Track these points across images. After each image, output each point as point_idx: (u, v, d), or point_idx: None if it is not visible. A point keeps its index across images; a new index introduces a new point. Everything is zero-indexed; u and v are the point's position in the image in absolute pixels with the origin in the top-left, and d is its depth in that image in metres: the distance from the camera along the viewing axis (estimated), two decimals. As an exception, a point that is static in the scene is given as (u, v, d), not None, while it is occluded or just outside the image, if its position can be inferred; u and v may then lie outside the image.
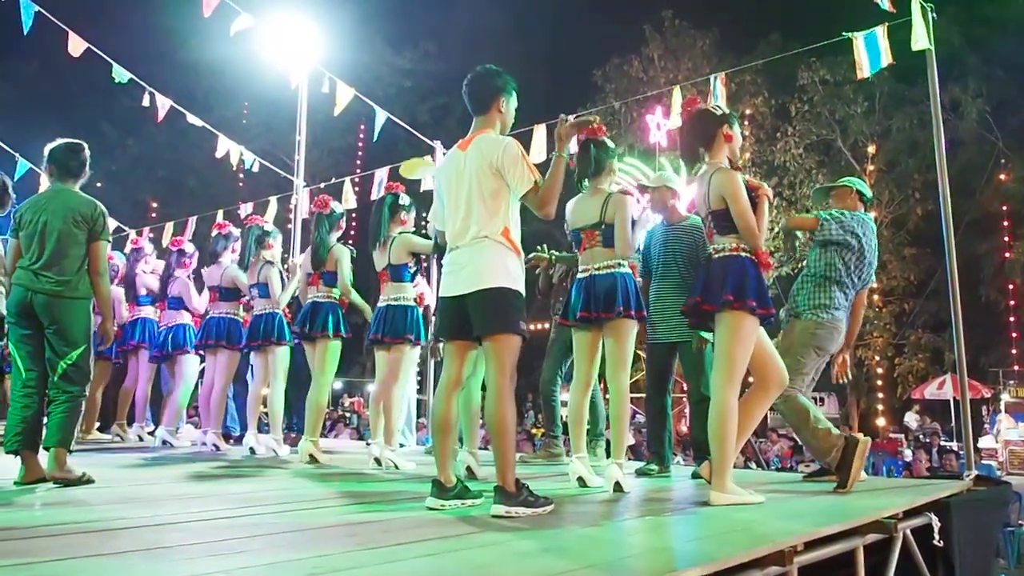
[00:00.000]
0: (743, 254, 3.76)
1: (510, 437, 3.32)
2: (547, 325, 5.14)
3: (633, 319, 4.21)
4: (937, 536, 3.96)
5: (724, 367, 3.71)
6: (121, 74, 8.88)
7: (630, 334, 4.26)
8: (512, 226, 3.47)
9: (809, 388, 4.70)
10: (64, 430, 3.98)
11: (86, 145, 4.38)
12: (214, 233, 6.85)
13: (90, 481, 4.01)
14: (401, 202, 5.49)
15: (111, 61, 8.80)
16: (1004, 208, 20.62)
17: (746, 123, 20.48)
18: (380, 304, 5.45)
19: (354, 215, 21.06)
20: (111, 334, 4.57)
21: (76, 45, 8.51)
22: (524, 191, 3.41)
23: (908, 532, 3.74)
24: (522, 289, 3.45)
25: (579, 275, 4.41)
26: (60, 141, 4.33)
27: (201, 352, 6.94)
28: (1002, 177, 20.72)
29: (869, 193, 5.02)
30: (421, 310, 5.63)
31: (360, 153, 24.69)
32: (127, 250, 8.18)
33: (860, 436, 4.40)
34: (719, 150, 3.92)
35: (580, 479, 4.24)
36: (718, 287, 3.71)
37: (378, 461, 5.23)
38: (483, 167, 3.44)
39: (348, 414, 18.05)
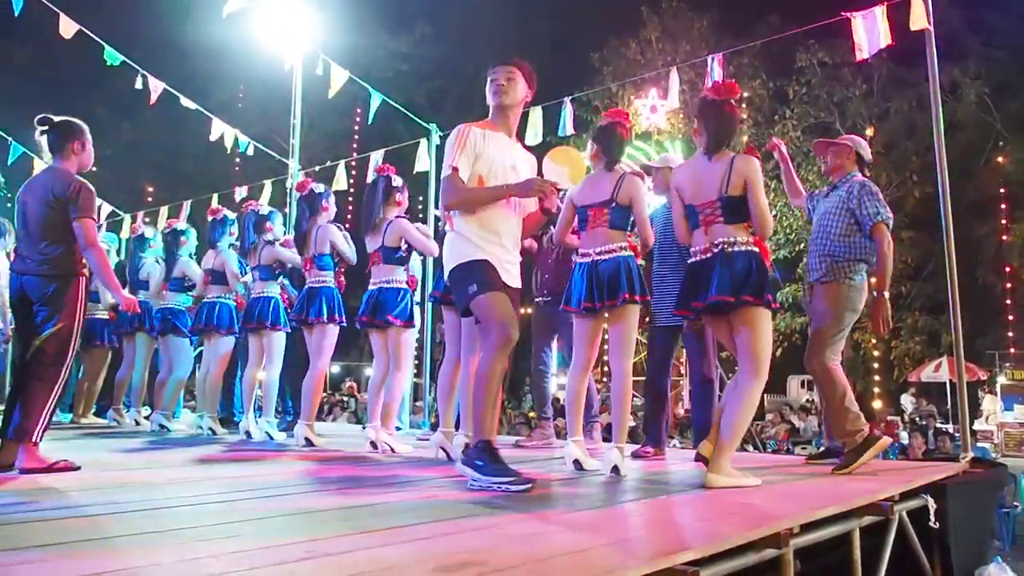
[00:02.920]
0: (755, 248, 3.73)
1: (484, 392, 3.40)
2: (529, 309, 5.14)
3: (637, 304, 4.14)
4: (933, 518, 3.97)
5: (755, 362, 3.71)
6: (113, 56, 8.81)
7: (634, 318, 4.18)
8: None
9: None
10: (30, 419, 3.82)
11: (56, 118, 4.22)
12: (210, 219, 6.82)
13: (71, 468, 3.89)
14: (394, 184, 5.45)
15: (103, 43, 8.72)
16: (1002, 191, 20.63)
17: (744, 106, 20.43)
18: (371, 287, 5.39)
19: (350, 198, 21.03)
20: (129, 304, 4.53)
21: (67, 27, 8.43)
22: (446, 168, 3.54)
23: (904, 514, 3.76)
24: (465, 258, 3.54)
25: (580, 260, 4.28)
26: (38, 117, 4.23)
27: (197, 336, 6.93)
28: (1000, 160, 20.73)
29: (868, 157, 4.95)
30: (413, 293, 5.60)
31: (356, 136, 24.58)
32: (123, 234, 8.17)
33: (884, 436, 4.53)
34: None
35: (576, 462, 4.23)
36: (744, 285, 3.65)
37: (374, 444, 5.22)
38: None
39: (346, 398, 18.06)
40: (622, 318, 4.16)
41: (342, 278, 5.89)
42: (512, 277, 3.62)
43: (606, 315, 4.26)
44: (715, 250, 3.75)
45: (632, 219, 4.25)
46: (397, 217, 5.40)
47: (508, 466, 3.19)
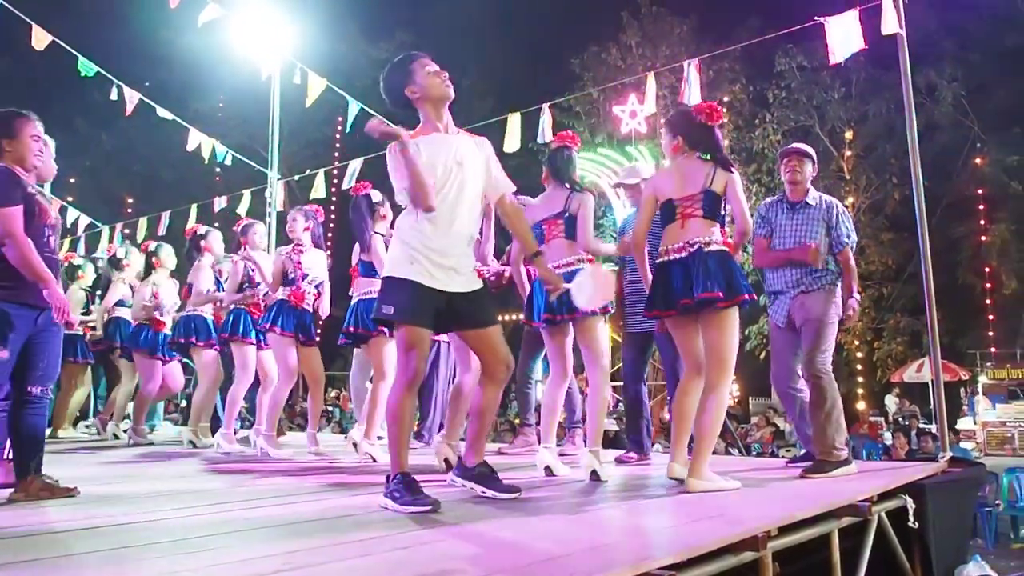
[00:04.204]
0: (726, 248, 3.80)
1: (395, 428, 3.34)
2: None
3: (599, 315, 4.19)
4: (912, 518, 3.99)
5: (724, 363, 3.75)
6: (88, 67, 8.75)
7: (598, 330, 4.24)
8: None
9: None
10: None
11: None
12: (188, 238, 6.88)
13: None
14: (375, 200, 5.46)
15: (76, 54, 8.66)
16: (980, 192, 20.84)
17: (724, 110, 20.54)
18: (353, 300, 5.40)
19: (332, 207, 21.00)
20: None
21: (40, 38, 8.36)
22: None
23: (883, 515, 3.78)
24: (396, 273, 3.36)
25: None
26: None
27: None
28: (978, 161, 20.94)
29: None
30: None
31: (338, 144, 24.54)
32: (102, 245, 8.14)
33: (853, 462, 4.51)
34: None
35: (547, 468, 4.26)
36: (726, 283, 3.70)
37: (356, 446, 5.23)
38: None
39: (330, 408, 17.96)
40: (588, 330, 4.22)
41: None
42: (454, 279, 3.38)
43: (574, 327, 4.30)
44: (691, 248, 3.78)
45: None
46: (375, 233, 5.37)
47: (421, 494, 3.16)
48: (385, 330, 5.20)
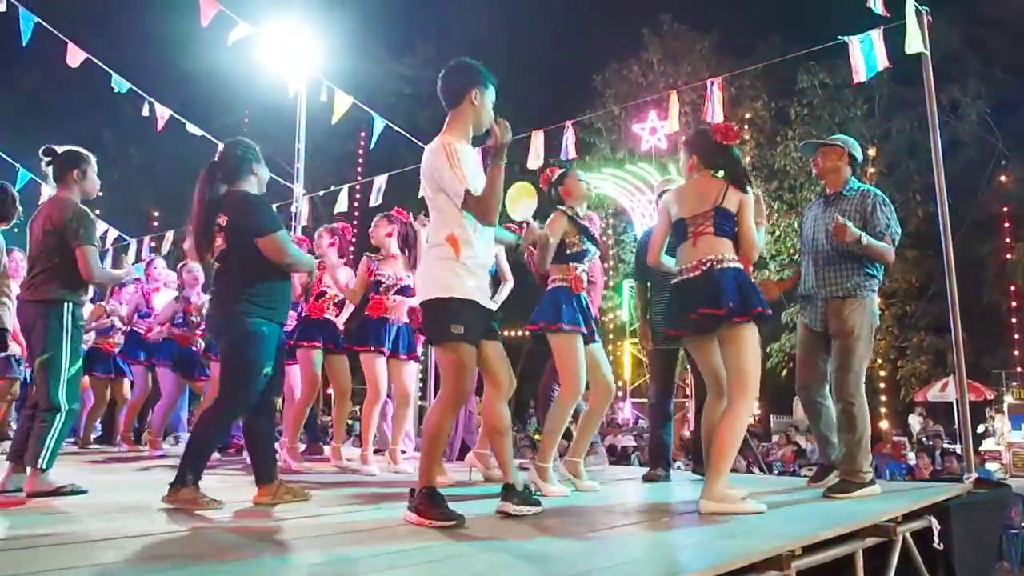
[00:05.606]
0: (740, 265, 3.78)
1: (432, 444, 3.36)
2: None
3: (552, 332, 4.30)
4: (937, 539, 3.95)
5: (744, 380, 3.68)
6: (120, 84, 8.92)
7: (556, 347, 4.34)
8: (458, 229, 3.37)
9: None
10: (34, 447, 3.88)
11: (59, 148, 4.24)
12: None
13: (77, 492, 3.94)
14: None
15: (110, 71, 8.83)
16: (1005, 209, 20.61)
17: (746, 127, 20.54)
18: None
19: (355, 222, 21.12)
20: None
21: (74, 55, 8.53)
22: (457, 196, 3.30)
23: (907, 535, 3.74)
24: (459, 294, 3.32)
25: None
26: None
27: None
28: (1002, 178, 20.74)
29: (860, 155, 4.69)
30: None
31: (361, 160, 24.70)
32: (130, 258, 8.26)
33: (877, 484, 4.40)
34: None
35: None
36: (731, 302, 3.66)
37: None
38: (425, 173, 3.48)
39: (351, 421, 17.95)
40: (552, 345, 4.37)
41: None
42: (488, 295, 3.54)
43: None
44: (704, 267, 3.77)
45: (569, 252, 4.43)
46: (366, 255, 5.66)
47: (447, 508, 3.19)
48: (385, 349, 5.49)
